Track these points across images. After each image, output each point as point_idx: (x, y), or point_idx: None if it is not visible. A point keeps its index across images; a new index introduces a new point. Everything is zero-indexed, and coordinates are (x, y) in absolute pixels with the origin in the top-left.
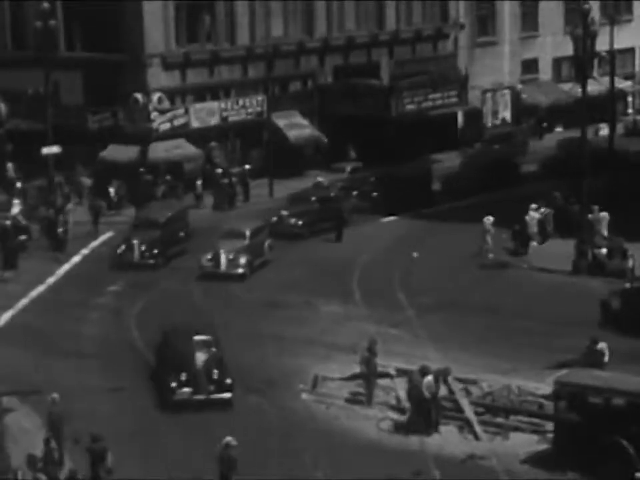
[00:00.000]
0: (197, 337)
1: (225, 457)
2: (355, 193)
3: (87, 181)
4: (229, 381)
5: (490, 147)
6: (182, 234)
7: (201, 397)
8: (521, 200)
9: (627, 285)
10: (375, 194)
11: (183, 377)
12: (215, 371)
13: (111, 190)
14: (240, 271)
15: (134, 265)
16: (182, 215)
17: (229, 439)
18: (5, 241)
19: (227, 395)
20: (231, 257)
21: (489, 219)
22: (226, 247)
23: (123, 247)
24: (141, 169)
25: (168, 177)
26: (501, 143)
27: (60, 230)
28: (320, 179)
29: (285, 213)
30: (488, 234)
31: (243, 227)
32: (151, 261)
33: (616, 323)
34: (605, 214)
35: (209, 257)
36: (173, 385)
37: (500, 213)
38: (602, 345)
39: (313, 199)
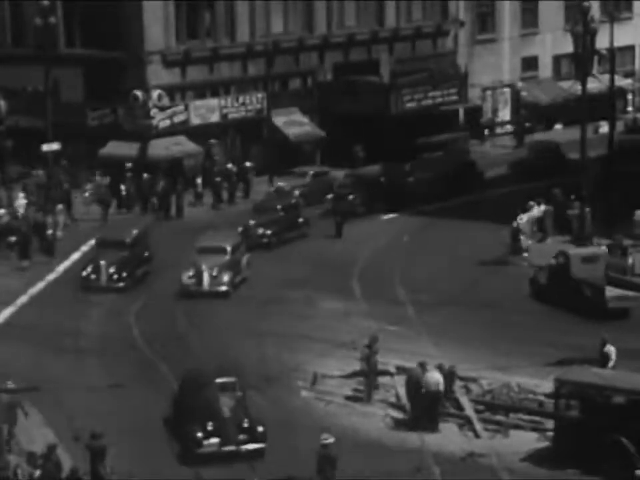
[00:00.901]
0: (220, 380)
1: (324, 456)
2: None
3: (104, 180)
4: (260, 428)
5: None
6: (146, 254)
7: (230, 448)
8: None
9: (552, 261)
10: (351, 196)
11: (209, 426)
12: (245, 419)
13: (122, 187)
14: (223, 288)
15: (101, 288)
16: (146, 234)
17: (325, 436)
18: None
19: (260, 445)
20: (214, 273)
21: (522, 218)
22: (208, 263)
23: (89, 268)
24: (127, 165)
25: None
26: (441, 150)
27: (49, 232)
28: (281, 183)
29: (252, 222)
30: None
31: (224, 242)
32: (120, 284)
33: (542, 296)
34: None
35: (191, 273)
36: (198, 435)
37: (498, 210)
38: (608, 348)
39: (279, 207)
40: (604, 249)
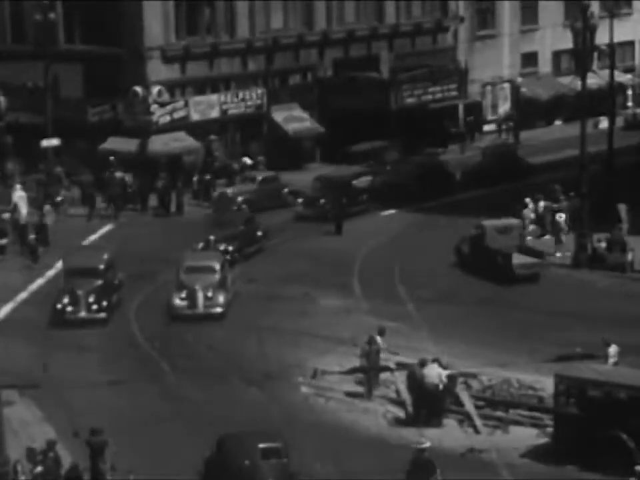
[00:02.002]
0: (263, 445)
1: (420, 461)
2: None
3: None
4: None
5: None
6: (117, 281)
7: None
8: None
9: (473, 232)
10: (322, 201)
11: None
12: None
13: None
14: (219, 310)
15: (81, 320)
16: (114, 260)
17: (421, 440)
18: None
19: None
20: (209, 294)
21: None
22: (200, 283)
23: (65, 299)
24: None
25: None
26: (367, 162)
27: (32, 237)
28: (229, 190)
29: (212, 238)
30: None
31: (212, 261)
32: (102, 315)
33: (464, 265)
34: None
35: (183, 295)
36: None
37: (497, 207)
38: (611, 349)
39: (239, 220)
40: (517, 221)
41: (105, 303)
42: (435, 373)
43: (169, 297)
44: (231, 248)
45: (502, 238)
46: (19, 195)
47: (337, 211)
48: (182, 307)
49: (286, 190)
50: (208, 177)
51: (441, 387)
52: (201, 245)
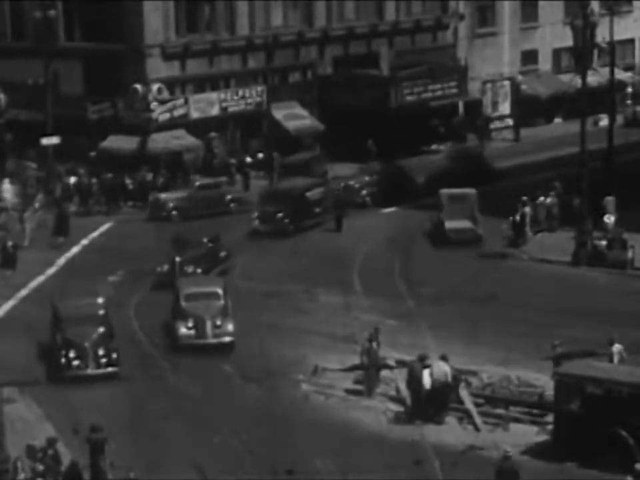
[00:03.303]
0: None
1: (505, 469)
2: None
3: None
4: None
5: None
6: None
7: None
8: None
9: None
10: (279, 215)
11: None
12: None
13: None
14: (228, 339)
15: (88, 377)
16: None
17: (506, 449)
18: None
19: None
20: (217, 322)
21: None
22: (206, 310)
23: (72, 353)
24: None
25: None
26: (298, 173)
27: (9, 244)
28: (163, 195)
29: (178, 259)
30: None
31: (214, 286)
32: (114, 369)
33: (430, 237)
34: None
35: (190, 324)
36: None
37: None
38: (615, 348)
39: (205, 240)
40: (472, 190)
41: (115, 355)
42: (442, 371)
43: (173, 327)
44: (199, 270)
45: (457, 206)
46: (6, 188)
47: (295, 225)
48: (189, 337)
49: (228, 197)
50: (148, 178)
51: (449, 381)
52: (166, 267)
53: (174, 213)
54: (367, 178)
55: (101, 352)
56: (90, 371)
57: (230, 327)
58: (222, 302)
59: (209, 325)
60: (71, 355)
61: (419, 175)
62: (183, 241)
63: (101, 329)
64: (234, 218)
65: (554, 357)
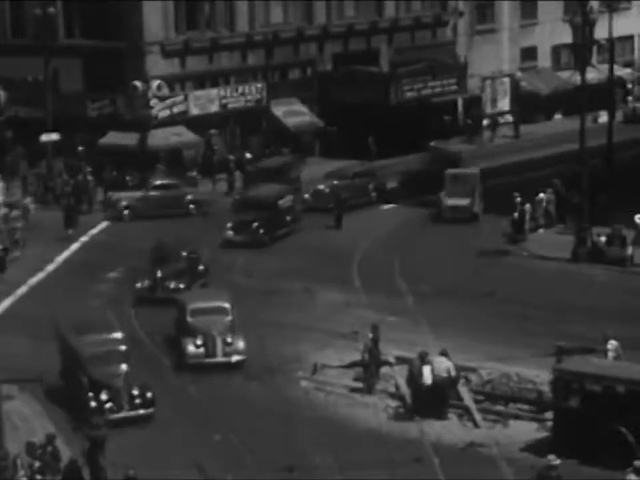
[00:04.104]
0: None
1: (547, 478)
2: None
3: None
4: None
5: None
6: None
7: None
8: None
9: None
10: (255, 225)
11: None
12: None
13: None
14: (239, 357)
15: (122, 421)
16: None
17: (550, 458)
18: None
19: None
20: (228, 339)
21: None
22: (215, 327)
23: (99, 396)
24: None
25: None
26: (270, 179)
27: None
28: (116, 194)
29: (159, 275)
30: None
31: (222, 300)
32: (147, 411)
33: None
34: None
35: (199, 342)
36: None
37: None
38: (610, 345)
39: (184, 253)
40: (476, 170)
41: (149, 394)
42: (443, 367)
43: (180, 344)
44: (182, 286)
45: (459, 185)
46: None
47: (271, 235)
48: (198, 355)
49: (188, 198)
50: (90, 178)
51: (453, 375)
52: (146, 282)
53: (125, 212)
54: (335, 182)
55: (135, 392)
56: (124, 414)
57: (241, 345)
58: (230, 317)
59: (219, 342)
60: (103, 397)
61: (392, 178)
62: (162, 255)
63: (127, 367)
64: (189, 220)
65: (556, 352)
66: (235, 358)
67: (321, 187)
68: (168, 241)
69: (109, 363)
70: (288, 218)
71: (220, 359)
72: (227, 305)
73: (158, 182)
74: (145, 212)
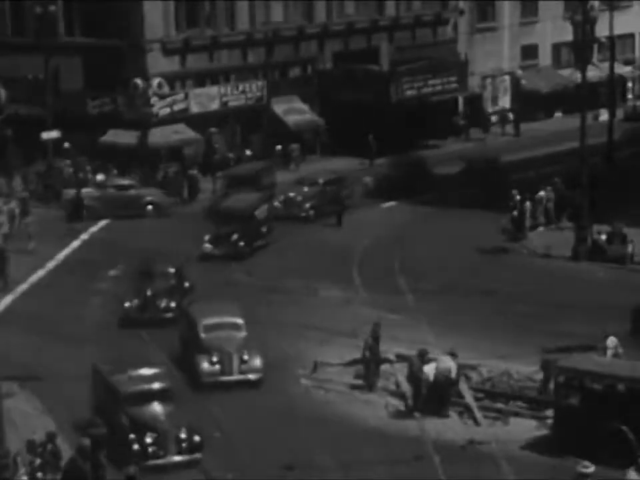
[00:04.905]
0: None
1: None
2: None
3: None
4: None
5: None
6: None
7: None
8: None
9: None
10: (234, 237)
11: None
12: None
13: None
14: (255, 376)
15: (169, 466)
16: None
17: (585, 464)
18: None
19: None
20: (244, 356)
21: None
22: (231, 344)
23: (143, 439)
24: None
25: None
26: (243, 187)
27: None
28: (71, 192)
29: (149, 293)
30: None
31: (234, 316)
32: (195, 456)
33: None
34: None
35: (214, 359)
36: None
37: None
38: (608, 342)
39: (171, 270)
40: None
41: (197, 438)
42: (444, 367)
43: (194, 361)
44: (173, 304)
45: None
46: None
47: (250, 247)
48: (214, 373)
49: (147, 199)
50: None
51: (452, 377)
52: (135, 301)
53: (84, 212)
54: (305, 189)
55: (182, 435)
56: (171, 459)
57: (258, 363)
58: (245, 332)
59: (235, 359)
60: (148, 440)
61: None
62: (149, 272)
63: (171, 407)
64: (146, 221)
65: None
66: (252, 376)
67: (292, 194)
68: (151, 256)
69: (152, 402)
70: (264, 229)
71: (236, 376)
72: (240, 321)
73: (116, 182)
74: (100, 211)
